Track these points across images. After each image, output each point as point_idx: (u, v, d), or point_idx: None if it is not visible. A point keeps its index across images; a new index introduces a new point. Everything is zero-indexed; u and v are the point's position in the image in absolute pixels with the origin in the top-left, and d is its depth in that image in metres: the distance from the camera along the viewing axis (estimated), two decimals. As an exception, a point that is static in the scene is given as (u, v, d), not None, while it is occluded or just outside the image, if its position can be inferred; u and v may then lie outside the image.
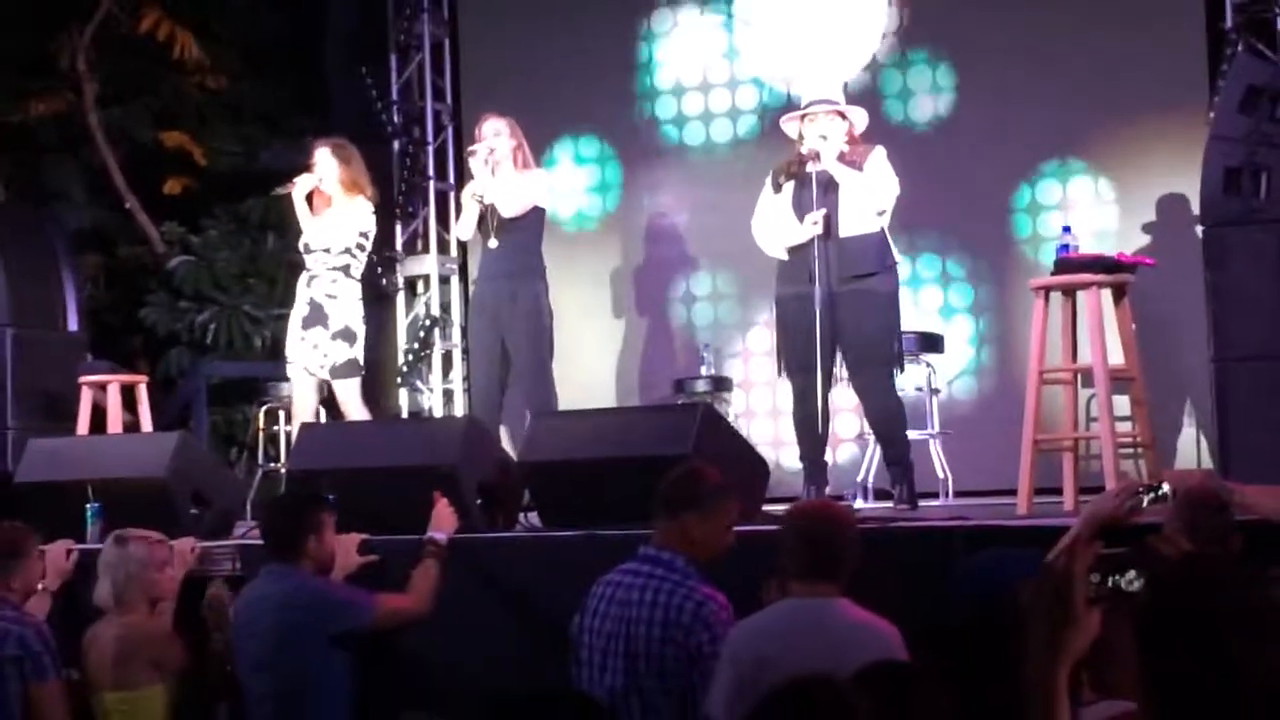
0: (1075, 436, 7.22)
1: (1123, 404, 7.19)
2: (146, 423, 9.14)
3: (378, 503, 6.24)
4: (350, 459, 6.68)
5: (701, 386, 9.28)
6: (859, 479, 8.25)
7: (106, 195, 12.05)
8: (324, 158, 8.06)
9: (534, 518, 6.66)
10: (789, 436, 7.79)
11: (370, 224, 8.07)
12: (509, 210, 7.96)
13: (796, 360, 7.26)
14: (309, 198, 8.06)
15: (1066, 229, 7.52)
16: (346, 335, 7.92)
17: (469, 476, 6.34)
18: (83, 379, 9.02)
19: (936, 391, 8.56)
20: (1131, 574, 2.50)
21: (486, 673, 5.74)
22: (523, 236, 8.01)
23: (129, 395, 9.25)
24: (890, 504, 7.34)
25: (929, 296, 9.48)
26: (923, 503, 7.49)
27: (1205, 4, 8.71)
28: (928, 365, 8.51)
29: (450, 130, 10.71)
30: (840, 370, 7.42)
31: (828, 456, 7.54)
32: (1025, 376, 7.12)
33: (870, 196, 7.27)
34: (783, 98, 9.62)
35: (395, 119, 10.61)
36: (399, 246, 10.62)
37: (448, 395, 10.60)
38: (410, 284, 10.77)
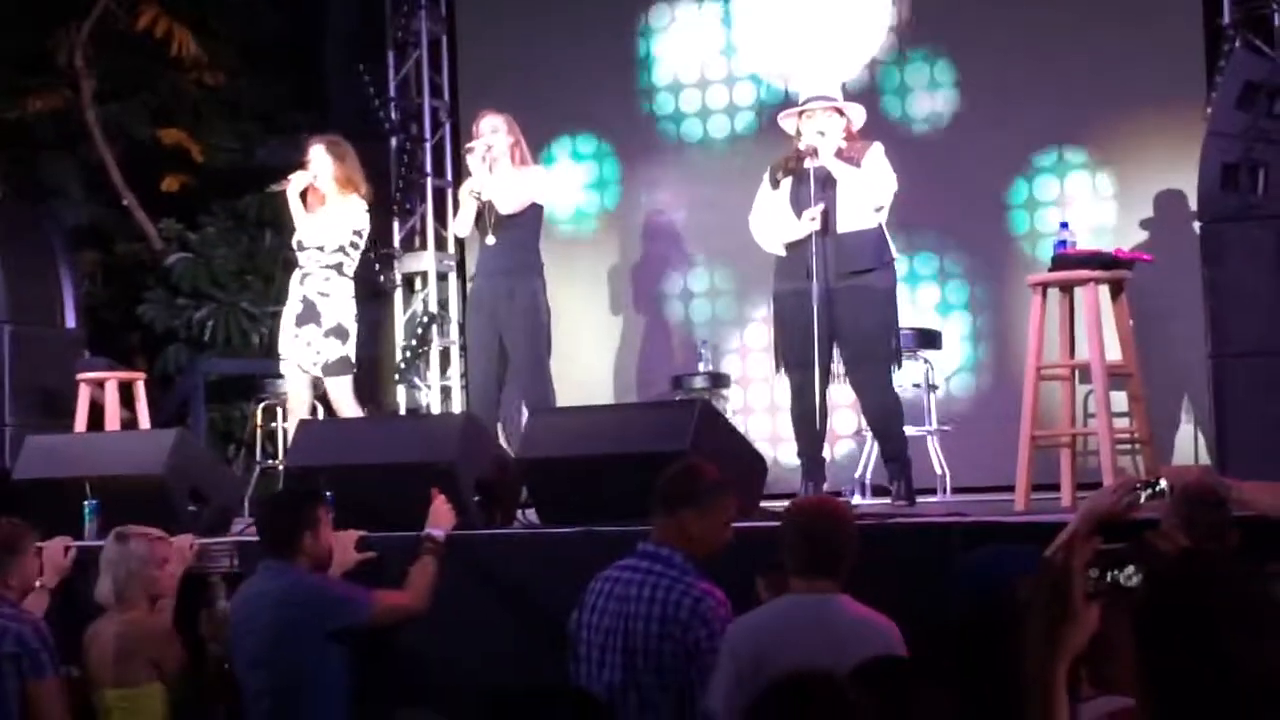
0: (1073, 432, 7.23)
1: (1120, 400, 7.19)
2: (144, 420, 9.14)
3: (375, 499, 6.24)
4: (348, 455, 6.68)
5: (699, 383, 9.28)
6: (857, 475, 8.25)
7: (104, 192, 12.04)
8: (318, 155, 8.05)
9: (532, 514, 6.66)
10: (787, 433, 7.80)
11: (364, 222, 8.06)
12: (506, 207, 7.96)
13: (794, 356, 7.26)
14: (303, 195, 8.06)
15: (1064, 225, 7.53)
16: (339, 333, 7.92)
17: (467, 473, 6.34)
18: (80, 376, 9.02)
19: (934, 388, 8.56)
20: (1130, 569, 2.50)
21: (484, 669, 5.74)
22: (520, 233, 8.01)
23: (127, 392, 9.25)
24: (888, 500, 7.34)
25: (926, 293, 9.48)
26: (920, 499, 7.50)
27: (1203, 0, 8.71)
28: (925, 361, 8.51)
29: (448, 127, 10.70)
30: (838, 366, 7.42)
31: (825, 453, 7.54)
32: (1023, 373, 7.13)
33: (868, 192, 7.27)
34: (780, 94, 9.61)
35: (393, 116, 10.60)
36: (397, 243, 10.61)
37: (445, 392, 10.60)
38: (408, 280, 10.76)
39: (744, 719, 2.92)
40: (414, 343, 10.48)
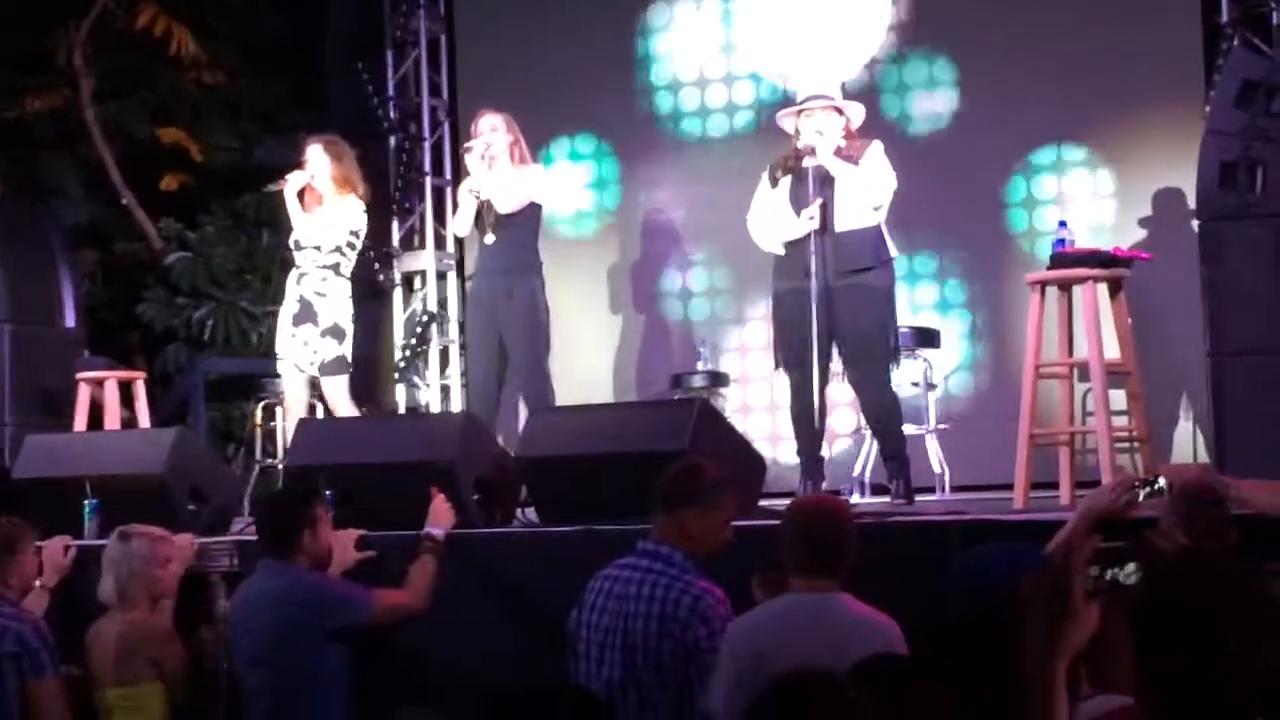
0: (1071, 431, 7.23)
1: (1119, 398, 7.20)
2: (144, 419, 9.15)
3: (375, 498, 6.24)
4: (347, 454, 6.68)
5: (698, 382, 9.27)
6: (856, 474, 8.25)
7: (103, 191, 12.03)
8: (316, 155, 8.05)
9: (531, 513, 6.66)
10: (786, 431, 7.80)
11: (361, 222, 8.06)
12: (505, 206, 7.96)
13: (793, 355, 7.26)
14: (300, 194, 8.06)
15: (1062, 223, 7.54)
16: (335, 333, 7.92)
17: (466, 472, 6.34)
18: (80, 375, 9.03)
19: (933, 386, 8.55)
20: (1130, 567, 2.49)
21: (484, 668, 5.74)
22: (519, 232, 8.01)
23: (126, 391, 9.25)
24: (887, 499, 7.35)
25: (925, 291, 9.48)
26: (919, 497, 7.50)
27: (1201, -1, 8.73)
28: (924, 360, 8.51)
29: (447, 126, 10.71)
30: (836, 365, 7.42)
31: (824, 451, 7.54)
32: (1021, 371, 7.14)
33: (867, 191, 7.28)
34: (779, 93, 9.61)
35: (392, 115, 10.61)
36: (396, 242, 10.62)
37: (445, 391, 10.60)
38: (407, 279, 10.76)
39: (744, 718, 2.92)
40: (413, 342, 10.49)
